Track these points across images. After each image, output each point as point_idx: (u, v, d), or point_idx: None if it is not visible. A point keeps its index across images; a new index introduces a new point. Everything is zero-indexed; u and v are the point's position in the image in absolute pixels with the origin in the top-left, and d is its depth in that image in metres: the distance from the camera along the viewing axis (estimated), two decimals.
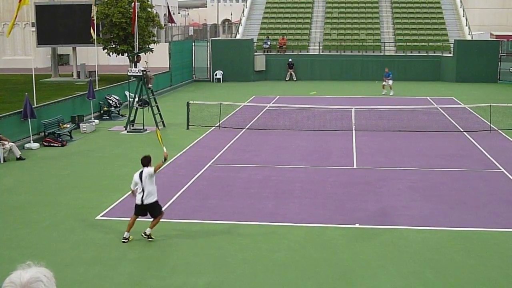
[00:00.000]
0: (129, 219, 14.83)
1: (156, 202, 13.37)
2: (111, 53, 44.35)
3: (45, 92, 35.84)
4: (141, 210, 13.35)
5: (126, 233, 13.38)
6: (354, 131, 25.94)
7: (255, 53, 47.95)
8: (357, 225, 14.46)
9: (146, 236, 13.38)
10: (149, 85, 27.42)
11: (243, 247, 13.03)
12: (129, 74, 27.41)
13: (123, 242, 13.27)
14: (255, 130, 26.62)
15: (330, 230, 14.11)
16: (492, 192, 17.25)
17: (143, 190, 13.16)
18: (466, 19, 50.97)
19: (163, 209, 13.88)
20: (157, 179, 13.54)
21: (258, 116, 29.96)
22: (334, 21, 51.93)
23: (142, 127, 26.54)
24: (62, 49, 56.05)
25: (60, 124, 25.07)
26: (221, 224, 14.56)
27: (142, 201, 13.19)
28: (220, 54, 47.05)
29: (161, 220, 13.52)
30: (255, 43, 48.75)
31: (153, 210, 13.37)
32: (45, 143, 23.58)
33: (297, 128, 26.82)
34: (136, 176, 13.34)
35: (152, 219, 13.44)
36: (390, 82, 39.05)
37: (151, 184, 13.21)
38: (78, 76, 47.21)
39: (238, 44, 48.16)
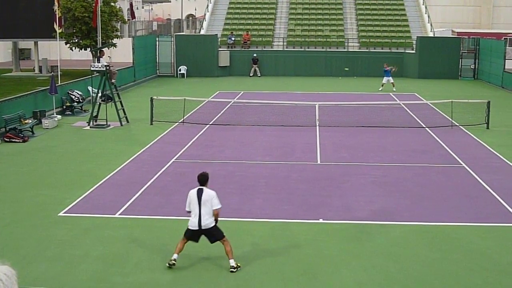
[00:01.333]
0: (91, 215, 14.75)
1: (215, 226, 11.69)
2: (73, 48, 43.85)
3: (6, 87, 35.32)
4: (195, 235, 11.75)
5: (175, 255, 11.75)
6: (317, 127, 26.07)
7: (219, 49, 47.83)
8: (321, 220, 14.55)
9: (235, 269, 11.59)
10: (112, 80, 27.19)
11: (207, 243, 12.96)
12: (92, 69, 27.14)
13: (169, 266, 11.69)
14: (219, 125, 26.59)
15: (294, 226, 14.18)
16: (453, 187, 17.51)
17: (200, 212, 11.53)
18: (428, 16, 51.57)
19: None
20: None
21: (222, 112, 29.92)
22: (298, 17, 52.08)
23: (105, 123, 26.31)
24: (24, 44, 55.22)
25: (22, 120, 24.71)
26: (185, 220, 14.41)
27: (199, 225, 11.55)
28: (184, 50, 46.84)
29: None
30: (219, 39, 48.63)
31: (213, 234, 11.72)
32: (6, 139, 23.23)
33: (261, 124, 26.86)
34: (193, 194, 11.66)
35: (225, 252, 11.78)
36: (391, 79, 39.08)
37: (210, 207, 11.58)
38: (40, 71, 46.56)
39: (202, 40, 48.00)
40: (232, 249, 11.74)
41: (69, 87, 31.25)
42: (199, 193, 11.60)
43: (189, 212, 11.71)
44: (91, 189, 16.89)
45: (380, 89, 39.09)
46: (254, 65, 47.28)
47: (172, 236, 13.43)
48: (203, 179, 11.78)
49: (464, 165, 19.95)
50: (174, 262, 11.71)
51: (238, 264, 11.75)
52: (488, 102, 26.67)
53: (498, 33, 58.99)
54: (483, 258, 12.34)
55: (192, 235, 11.75)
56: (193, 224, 11.62)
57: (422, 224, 14.37)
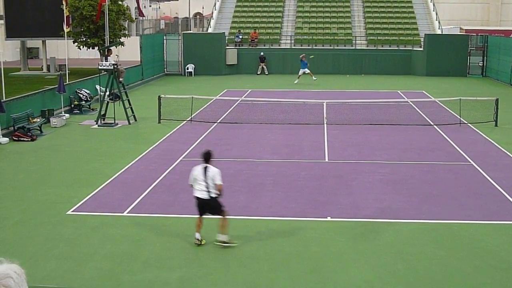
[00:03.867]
0: (100, 214, 14.80)
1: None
2: (81, 47, 43.95)
3: (14, 86, 35.41)
4: (204, 205, 12.63)
5: (196, 233, 12.75)
6: (325, 125, 26.05)
7: (227, 47, 47.87)
8: (328, 218, 14.53)
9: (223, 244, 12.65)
10: (120, 79, 27.24)
11: (213, 243, 13.03)
12: (99, 67, 27.19)
13: (196, 244, 12.66)
14: (227, 124, 26.60)
15: (302, 224, 14.17)
16: (461, 184, 17.46)
17: (207, 185, 12.48)
18: (436, 14, 51.46)
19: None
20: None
21: (230, 110, 29.94)
22: (305, 15, 52.04)
23: (113, 121, 26.36)
24: (32, 43, 55.38)
25: (30, 118, 24.79)
26: (193, 218, 14.48)
27: (209, 195, 12.48)
28: (191, 48, 46.88)
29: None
30: (226, 37, 48.66)
31: (216, 206, 12.66)
32: (14, 138, 23.31)
33: (269, 122, 26.85)
34: (197, 171, 12.61)
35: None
36: (307, 70, 41.14)
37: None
38: (48, 69, 46.72)
39: (210, 38, 48.03)
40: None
41: (77, 85, 31.35)
42: (205, 170, 12.59)
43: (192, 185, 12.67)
44: (99, 187, 16.94)
45: (296, 82, 40.63)
46: (261, 63, 47.26)
47: (180, 234, 13.46)
48: (207, 157, 12.86)
49: (472, 162, 19.90)
50: (198, 241, 12.68)
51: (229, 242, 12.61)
52: (497, 100, 26.58)
53: (507, 30, 58.75)
54: (491, 256, 12.31)
55: (202, 207, 12.66)
56: (203, 194, 12.54)
57: (429, 222, 14.34)
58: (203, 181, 12.51)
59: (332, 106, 28.95)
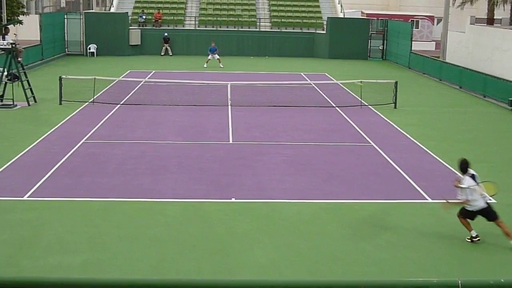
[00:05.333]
0: (4, 198, 14.35)
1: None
2: None
3: None
4: (482, 212, 12.24)
5: (473, 231, 12.30)
6: (230, 106, 26.12)
7: (130, 27, 47.08)
8: (233, 200, 14.63)
9: None
10: (19, 59, 26.38)
11: (119, 224, 12.89)
12: None
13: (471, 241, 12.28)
14: (131, 105, 26.24)
15: (206, 205, 14.21)
16: (362, 165, 17.93)
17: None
18: None
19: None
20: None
21: (133, 91, 29.53)
22: None
23: (11, 103, 25.48)
24: None
25: None
26: (96, 201, 14.31)
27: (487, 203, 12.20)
28: (93, 28, 45.81)
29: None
30: (130, 17, 47.85)
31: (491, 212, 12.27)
32: None
33: (173, 104, 26.67)
34: (471, 182, 12.03)
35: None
36: (217, 56, 40.61)
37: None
38: None
39: (112, 18, 47.09)
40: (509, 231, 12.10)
41: None
42: (474, 178, 12.12)
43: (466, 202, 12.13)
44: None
45: (205, 66, 40.33)
46: (165, 44, 46.81)
47: (83, 218, 13.22)
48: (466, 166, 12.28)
49: (373, 144, 20.46)
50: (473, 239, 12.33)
51: None
52: (396, 83, 27.39)
53: (406, 15, 60.56)
54: (390, 234, 12.74)
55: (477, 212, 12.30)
56: (484, 204, 12.18)
57: (332, 201, 14.67)
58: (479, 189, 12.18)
59: (237, 88, 29.04)
